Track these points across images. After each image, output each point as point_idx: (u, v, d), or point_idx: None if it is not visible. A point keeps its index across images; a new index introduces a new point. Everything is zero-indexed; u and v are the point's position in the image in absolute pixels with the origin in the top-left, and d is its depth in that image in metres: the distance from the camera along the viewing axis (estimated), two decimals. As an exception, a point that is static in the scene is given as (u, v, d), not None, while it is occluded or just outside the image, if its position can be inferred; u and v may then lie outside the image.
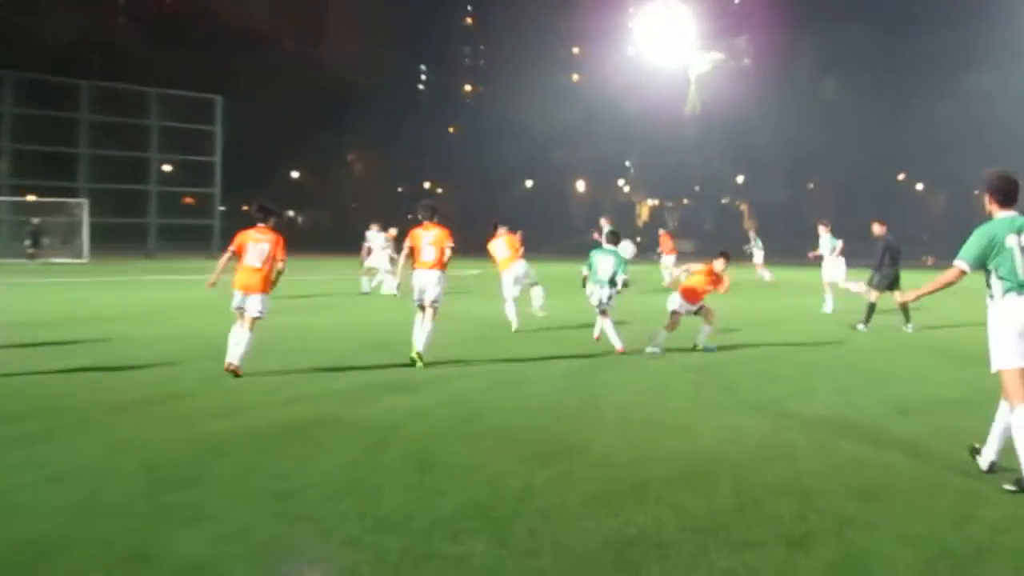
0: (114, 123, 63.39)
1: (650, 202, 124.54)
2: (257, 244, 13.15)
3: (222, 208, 69.46)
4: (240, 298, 13.09)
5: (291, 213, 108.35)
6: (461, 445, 8.96)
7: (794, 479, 8.00)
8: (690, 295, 16.27)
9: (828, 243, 26.72)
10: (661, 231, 33.91)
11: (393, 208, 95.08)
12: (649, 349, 15.79)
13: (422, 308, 14.39)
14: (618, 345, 15.85)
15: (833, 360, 15.66)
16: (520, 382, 12.73)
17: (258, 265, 13.09)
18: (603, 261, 16.16)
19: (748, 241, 43.19)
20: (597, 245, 18.69)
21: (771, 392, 12.30)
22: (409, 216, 73.38)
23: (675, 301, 16.28)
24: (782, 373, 14.03)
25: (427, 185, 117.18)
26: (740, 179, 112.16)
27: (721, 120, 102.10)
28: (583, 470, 8.15)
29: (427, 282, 14.32)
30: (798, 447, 9.17)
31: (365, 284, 30.70)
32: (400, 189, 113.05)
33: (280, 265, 13.12)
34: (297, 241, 76.45)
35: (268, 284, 13.16)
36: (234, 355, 12.81)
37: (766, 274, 41.39)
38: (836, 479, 8.03)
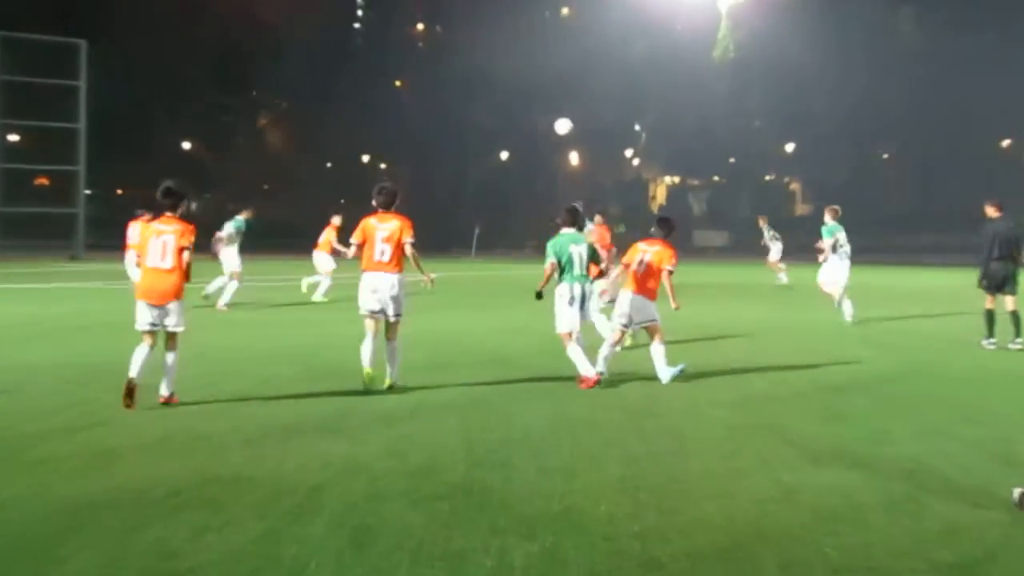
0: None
1: (668, 180, 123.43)
2: (160, 237, 13.65)
3: (88, 192, 68.85)
4: (149, 312, 13.61)
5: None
6: (412, 511, 8.89)
7: (864, 553, 7.98)
8: (641, 287, 16.29)
9: (828, 235, 26.92)
10: (597, 218, 32.84)
11: (315, 190, 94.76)
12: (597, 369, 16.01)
13: (374, 321, 14.98)
14: (591, 372, 15.84)
15: (910, 391, 15.61)
16: (493, 423, 12.66)
17: (167, 265, 13.62)
18: (578, 251, 16.17)
19: (767, 234, 44.49)
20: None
21: (830, 436, 12.18)
22: (343, 201, 72.75)
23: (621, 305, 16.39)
24: (843, 409, 13.96)
25: (365, 159, 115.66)
26: (789, 148, 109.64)
27: (763, 69, 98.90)
28: (577, 544, 8.09)
29: (384, 288, 14.85)
30: (869, 510, 9.11)
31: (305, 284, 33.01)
32: (329, 165, 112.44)
33: (187, 256, 13.66)
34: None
35: (182, 288, 13.75)
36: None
37: (783, 276, 42.60)
38: (921, 554, 7.99)
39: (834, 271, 26.61)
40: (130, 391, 13.34)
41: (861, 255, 34.19)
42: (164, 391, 13.66)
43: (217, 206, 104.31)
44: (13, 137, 72.24)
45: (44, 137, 68.72)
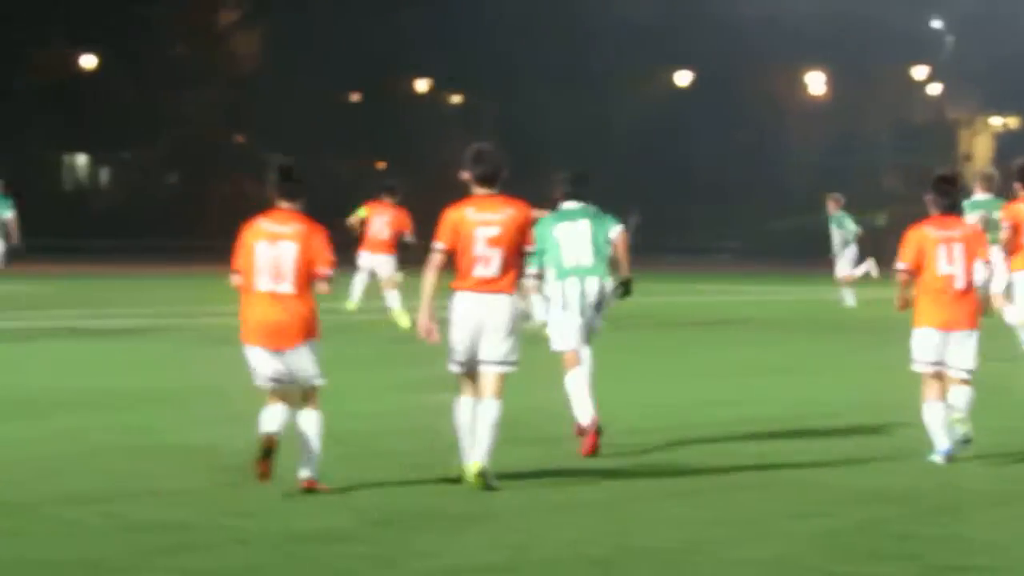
0: None
1: (996, 122, 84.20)
2: (275, 245, 10.03)
3: None
4: (267, 360, 10.01)
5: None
6: None
7: None
8: None
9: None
10: (387, 209, 26.09)
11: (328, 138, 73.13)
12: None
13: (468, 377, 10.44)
14: (584, 419, 11.89)
15: None
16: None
17: (288, 288, 9.98)
18: (572, 234, 12.27)
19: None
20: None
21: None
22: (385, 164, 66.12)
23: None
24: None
25: (422, 86, 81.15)
26: None
27: None
28: None
29: (488, 319, 10.27)
30: None
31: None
32: (356, 98, 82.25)
33: (324, 285, 10.15)
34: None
35: (313, 322, 10.13)
36: (272, 424, 9.93)
37: (848, 295, 32.93)
38: None
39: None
40: (267, 451, 9.83)
41: None
42: (306, 472, 9.98)
43: (149, 167, 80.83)
44: None
45: None
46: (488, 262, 10.18)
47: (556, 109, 72.05)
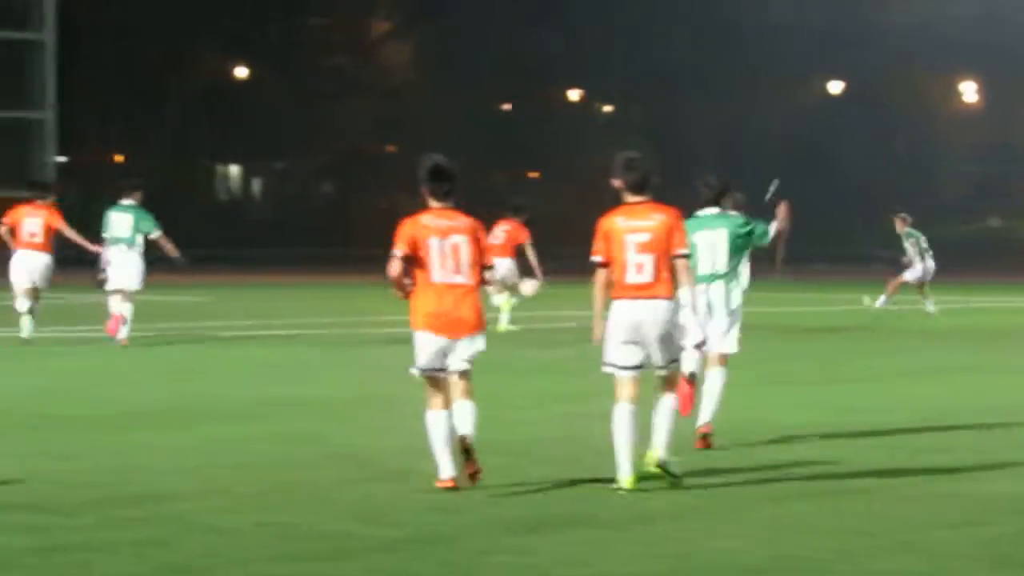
0: None
1: None
2: (447, 239, 10.50)
3: (62, 159, 56.96)
4: (436, 346, 10.41)
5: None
6: None
7: None
8: None
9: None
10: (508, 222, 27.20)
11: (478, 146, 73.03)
12: None
13: (632, 380, 10.52)
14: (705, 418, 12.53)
15: None
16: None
17: (462, 280, 10.49)
18: (710, 240, 12.62)
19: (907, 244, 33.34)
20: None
21: None
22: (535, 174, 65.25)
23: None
24: None
25: (574, 96, 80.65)
26: None
27: None
28: None
29: (648, 323, 10.47)
30: None
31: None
32: (507, 107, 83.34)
33: (490, 274, 11.03)
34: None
35: (482, 313, 10.79)
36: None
37: (929, 304, 32.63)
38: None
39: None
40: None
41: None
42: (465, 429, 10.26)
43: (303, 177, 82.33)
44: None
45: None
46: (641, 268, 10.29)
47: (707, 115, 71.55)
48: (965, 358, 23.19)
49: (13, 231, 23.86)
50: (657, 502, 9.98)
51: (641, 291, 10.30)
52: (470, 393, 10.43)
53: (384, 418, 14.30)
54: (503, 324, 25.89)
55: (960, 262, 55.99)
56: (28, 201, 24.68)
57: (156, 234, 23.82)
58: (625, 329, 10.31)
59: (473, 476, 10.22)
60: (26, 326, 23.22)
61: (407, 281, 10.40)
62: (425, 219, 10.53)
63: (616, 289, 10.41)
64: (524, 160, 73.33)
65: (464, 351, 10.40)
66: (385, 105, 78.35)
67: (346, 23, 76.59)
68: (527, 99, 75.28)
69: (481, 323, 10.59)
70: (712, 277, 12.48)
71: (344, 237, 67.66)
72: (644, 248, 10.31)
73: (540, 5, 71.28)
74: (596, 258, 10.46)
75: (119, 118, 72.36)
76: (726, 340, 12.67)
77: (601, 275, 10.46)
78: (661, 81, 71.04)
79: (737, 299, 12.79)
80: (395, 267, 10.25)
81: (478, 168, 71.58)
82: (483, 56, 72.83)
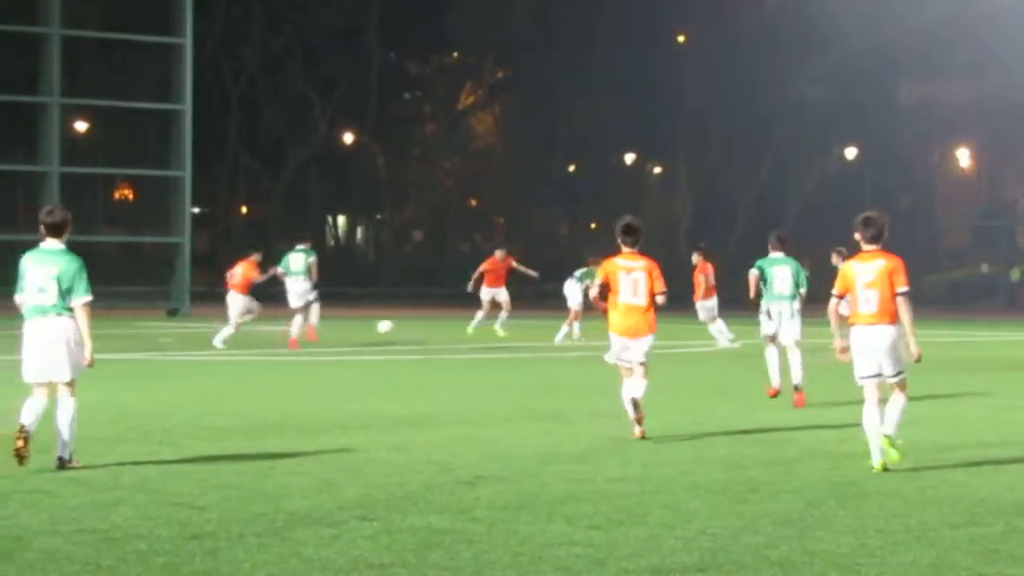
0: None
1: None
2: (630, 275, 13.36)
3: (196, 211, 51.10)
4: (624, 345, 13.40)
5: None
6: None
7: None
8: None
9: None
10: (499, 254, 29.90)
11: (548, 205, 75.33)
12: None
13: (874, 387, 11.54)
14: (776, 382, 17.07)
15: None
16: None
17: (640, 302, 13.34)
18: (780, 273, 17.07)
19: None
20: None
21: None
22: (596, 225, 66.15)
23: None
24: None
25: (629, 159, 77.53)
26: None
27: None
28: None
29: (878, 344, 11.55)
30: None
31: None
32: (572, 168, 79.96)
33: (662, 299, 13.45)
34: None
35: (655, 322, 13.52)
36: (636, 390, 13.13)
37: None
38: None
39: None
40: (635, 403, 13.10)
41: None
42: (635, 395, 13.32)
43: (396, 230, 79.16)
44: (80, 124, 49.39)
45: (127, 123, 47.50)
46: (868, 301, 11.37)
47: (742, 177, 72.00)
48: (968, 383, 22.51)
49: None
50: (696, 503, 9.93)
51: (870, 319, 11.40)
52: (645, 375, 13.24)
53: (463, 430, 14.30)
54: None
55: (956, 302, 61.26)
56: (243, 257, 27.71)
57: (311, 258, 27.20)
58: (861, 348, 11.46)
59: (639, 420, 13.03)
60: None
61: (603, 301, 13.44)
62: (617, 260, 13.44)
63: (852, 317, 11.59)
64: (585, 212, 73.71)
65: (640, 348, 13.24)
66: (469, 165, 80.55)
67: (436, 97, 77.86)
68: (588, 160, 76.05)
69: (652, 329, 13.36)
70: (780, 297, 17.29)
71: (431, 277, 68.11)
72: (869, 286, 11.39)
73: (601, 82, 72.00)
74: (834, 291, 11.85)
75: (245, 175, 73.89)
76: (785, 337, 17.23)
77: (833, 303, 11.89)
78: (705, 146, 71.49)
79: (793, 313, 17.33)
80: (595, 291, 13.55)
81: (545, 219, 76.31)
82: (553, 123, 74.97)
